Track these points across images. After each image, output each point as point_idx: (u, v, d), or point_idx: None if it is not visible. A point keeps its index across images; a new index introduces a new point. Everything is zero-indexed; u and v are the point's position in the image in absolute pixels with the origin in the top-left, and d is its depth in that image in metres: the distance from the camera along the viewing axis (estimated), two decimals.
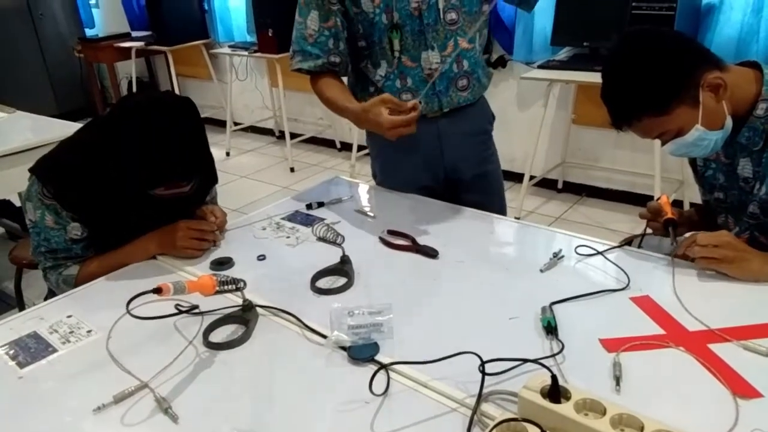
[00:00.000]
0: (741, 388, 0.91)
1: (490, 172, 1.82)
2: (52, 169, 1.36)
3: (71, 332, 1.15)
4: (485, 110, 1.79)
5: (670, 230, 1.35)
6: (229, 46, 4.78)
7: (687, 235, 1.33)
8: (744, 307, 1.11)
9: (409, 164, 1.74)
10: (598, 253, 1.33)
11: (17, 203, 3.04)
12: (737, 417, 0.86)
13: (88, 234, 1.39)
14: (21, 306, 2.19)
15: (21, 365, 1.06)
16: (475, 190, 1.79)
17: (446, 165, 1.74)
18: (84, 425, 0.91)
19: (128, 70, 5.53)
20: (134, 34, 5.57)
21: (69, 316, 1.20)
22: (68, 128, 1.42)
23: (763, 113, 1.19)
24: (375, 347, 1.04)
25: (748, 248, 1.20)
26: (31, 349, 1.10)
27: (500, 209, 1.82)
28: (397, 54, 1.56)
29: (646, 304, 1.13)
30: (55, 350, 1.10)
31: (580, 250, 1.34)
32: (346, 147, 4.69)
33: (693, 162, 1.43)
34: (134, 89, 5.43)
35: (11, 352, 1.09)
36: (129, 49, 5.20)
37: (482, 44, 1.69)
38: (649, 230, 1.44)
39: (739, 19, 2.80)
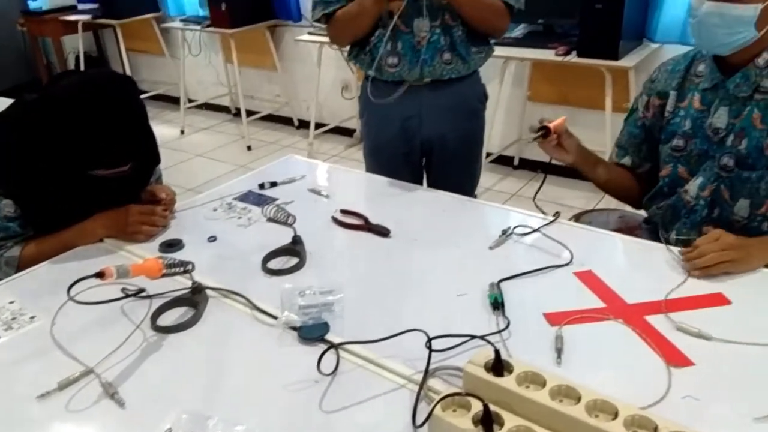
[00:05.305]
0: (674, 358, 0.95)
1: (467, 151, 1.85)
2: None
3: (13, 318, 1.12)
4: (474, 88, 1.80)
5: (538, 132, 1.35)
6: (181, 20, 4.62)
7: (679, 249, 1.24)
8: (682, 278, 1.15)
9: (388, 129, 1.78)
10: (535, 230, 1.35)
11: None
12: (669, 385, 0.90)
13: (23, 213, 1.34)
14: None
15: None
16: (447, 166, 1.83)
17: (423, 136, 1.78)
18: (28, 413, 0.90)
19: (75, 44, 5.30)
20: (80, 6, 5.30)
21: (11, 302, 1.17)
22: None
23: (764, 64, 1.19)
24: (325, 327, 1.04)
25: (743, 240, 1.18)
26: None
27: (469, 190, 1.87)
28: (395, 18, 1.59)
29: (588, 278, 1.17)
30: None
31: (522, 229, 1.36)
32: (303, 125, 4.62)
33: (661, 106, 1.39)
34: (82, 65, 5.22)
35: None
36: (75, 22, 4.98)
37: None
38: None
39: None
